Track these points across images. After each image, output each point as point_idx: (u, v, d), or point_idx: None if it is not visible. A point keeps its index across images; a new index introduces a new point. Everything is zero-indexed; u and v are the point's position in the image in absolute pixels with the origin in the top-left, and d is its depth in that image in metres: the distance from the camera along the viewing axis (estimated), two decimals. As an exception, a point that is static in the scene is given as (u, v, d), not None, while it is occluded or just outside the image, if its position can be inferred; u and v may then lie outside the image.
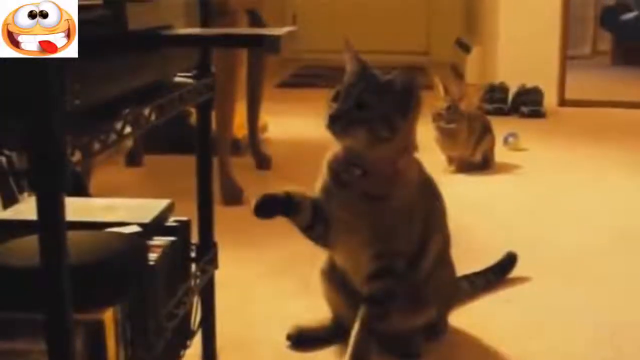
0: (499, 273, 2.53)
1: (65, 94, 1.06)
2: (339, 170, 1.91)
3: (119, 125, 1.26)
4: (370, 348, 1.96)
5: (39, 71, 1.01)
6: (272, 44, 1.42)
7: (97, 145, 1.17)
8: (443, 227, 2.11)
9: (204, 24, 1.74)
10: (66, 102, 1.07)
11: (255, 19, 3.78)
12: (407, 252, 1.98)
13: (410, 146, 1.94)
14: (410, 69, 1.89)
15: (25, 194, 2.50)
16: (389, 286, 1.96)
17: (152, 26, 1.43)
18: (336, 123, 1.83)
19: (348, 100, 1.84)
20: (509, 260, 2.57)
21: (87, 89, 1.15)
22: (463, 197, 3.46)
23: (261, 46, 1.45)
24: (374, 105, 1.83)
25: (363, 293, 1.98)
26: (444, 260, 2.12)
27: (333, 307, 2.16)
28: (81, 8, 1.17)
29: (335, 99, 1.87)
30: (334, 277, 2.11)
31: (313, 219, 1.96)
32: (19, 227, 1.51)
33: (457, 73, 7.15)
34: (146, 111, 1.39)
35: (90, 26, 1.17)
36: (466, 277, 2.41)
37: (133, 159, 4.16)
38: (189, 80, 1.73)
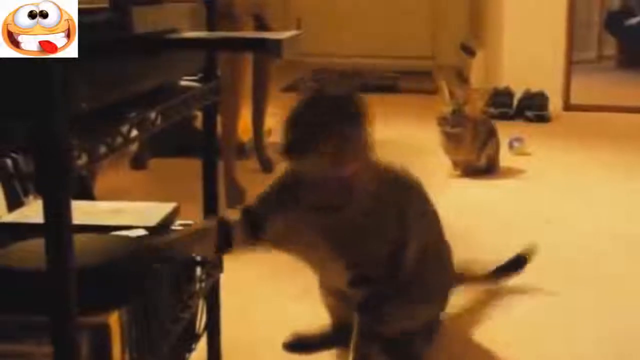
0: (504, 271, 2.52)
1: (71, 97, 1.06)
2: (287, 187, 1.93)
3: (125, 129, 1.26)
4: (371, 354, 1.96)
5: (45, 74, 1.01)
6: (274, 47, 1.42)
7: (103, 149, 1.17)
8: (428, 231, 2.09)
9: (210, 28, 1.74)
10: (73, 105, 1.07)
11: (260, 23, 3.78)
12: (380, 256, 1.95)
13: (360, 152, 1.89)
14: (344, 79, 1.89)
15: (31, 197, 2.50)
16: (373, 291, 1.95)
17: (158, 30, 1.44)
18: (294, 151, 1.84)
19: (297, 130, 1.83)
20: (520, 260, 2.53)
21: (94, 92, 1.15)
22: (468, 201, 3.46)
23: (263, 50, 1.45)
24: (324, 122, 1.82)
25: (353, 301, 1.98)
26: (438, 262, 2.12)
27: (332, 311, 2.17)
28: (88, 11, 1.17)
29: (287, 126, 1.86)
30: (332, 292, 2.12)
31: (253, 233, 1.95)
32: (25, 230, 1.51)
33: (462, 77, 7.14)
34: (152, 115, 1.39)
35: (96, 29, 1.17)
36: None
37: (138, 163, 4.16)
38: (195, 84, 1.73)
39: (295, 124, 1.84)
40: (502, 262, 2.52)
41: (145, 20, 1.37)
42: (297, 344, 2.15)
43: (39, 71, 1.01)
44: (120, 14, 1.29)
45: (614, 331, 2.24)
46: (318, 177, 1.87)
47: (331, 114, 1.83)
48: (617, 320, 2.32)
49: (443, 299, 2.17)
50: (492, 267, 2.50)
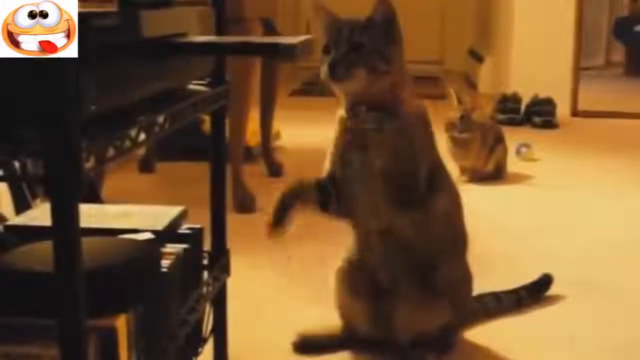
0: (533, 292, 2.48)
1: (80, 101, 1.06)
2: (348, 117, 1.97)
3: (133, 132, 1.26)
4: None
5: (55, 77, 1.01)
6: (287, 52, 1.43)
7: (111, 152, 1.18)
8: (451, 194, 2.11)
9: (219, 32, 1.74)
10: (81, 109, 1.07)
11: (270, 28, 3.79)
12: (420, 177, 1.99)
13: (407, 78, 1.99)
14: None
15: (39, 200, 2.51)
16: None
17: (168, 34, 1.44)
18: (336, 70, 1.88)
19: (340, 47, 1.89)
20: (545, 281, 2.51)
21: (102, 95, 1.15)
22: (475, 207, 3.44)
23: (277, 54, 1.46)
24: (366, 44, 1.89)
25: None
26: (456, 253, 2.11)
27: (347, 313, 2.15)
28: (97, 15, 1.18)
29: (326, 51, 1.92)
30: (354, 278, 2.10)
31: (322, 196, 2.00)
32: (33, 233, 1.51)
33: (470, 83, 7.14)
34: (160, 118, 1.39)
35: (105, 33, 1.18)
36: (492, 294, 2.39)
37: (146, 166, 4.17)
38: (203, 88, 1.74)
39: (334, 47, 1.90)
40: (528, 283, 2.49)
41: (154, 24, 1.37)
42: (305, 345, 2.14)
43: (48, 74, 1.01)
44: (129, 17, 1.29)
45: (626, 343, 2.23)
46: (376, 101, 1.93)
47: (378, 34, 1.90)
48: (630, 332, 2.31)
49: (461, 299, 2.14)
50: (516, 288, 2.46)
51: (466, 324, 2.19)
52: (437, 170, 2.05)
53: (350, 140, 1.97)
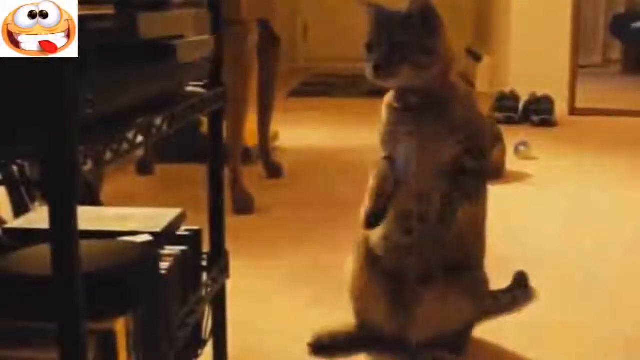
0: (526, 287, 2.49)
1: (78, 104, 1.06)
2: (397, 101, 2.00)
3: (130, 135, 1.26)
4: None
5: (52, 80, 1.01)
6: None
7: (109, 155, 1.18)
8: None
9: (216, 34, 1.74)
10: (79, 111, 1.07)
11: (267, 29, 3.79)
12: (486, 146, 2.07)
13: (453, 60, 2.03)
14: None
15: (37, 203, 2.51)
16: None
17: (164, 36, 1.44)
18: (379, 70, 1.92)
19: (382, 46, 1.92)
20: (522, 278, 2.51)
21: (100, 98, 1.15)
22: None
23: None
24: (406, 41, 1.92)
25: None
26: (483, 255, 2.13)
27: (363, 302, 2.13)
28: (94, 17, 1.18)
29: (369, 49, 1.95)
30: (377, 266, 2.08)
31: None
32: (31, 236, 1.51)
33: (468, 82, 7.14)
34: (158, 120, 1.39)
35: (102, 35, 1.18)
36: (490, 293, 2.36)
37: (144, 168, 4.17)
38: (201, 90, 1.74)
39: (376, 44, 1.94)
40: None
41: (151, 26, 1.37)
42: (323, 345, 2.14)
43: (45, 77, 1.01)
44: (126, 20, 1.29)
45: (627, 342, 2.23)
46: (427, 89, 1.97)
47: (417, 29, 1.93)
48: (631, 325, 2.31)
49: (480, 298, 2.13)
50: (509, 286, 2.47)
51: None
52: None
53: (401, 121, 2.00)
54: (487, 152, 2.07)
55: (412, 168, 1.98)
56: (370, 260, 2.09)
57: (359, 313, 2.15)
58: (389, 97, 2.03)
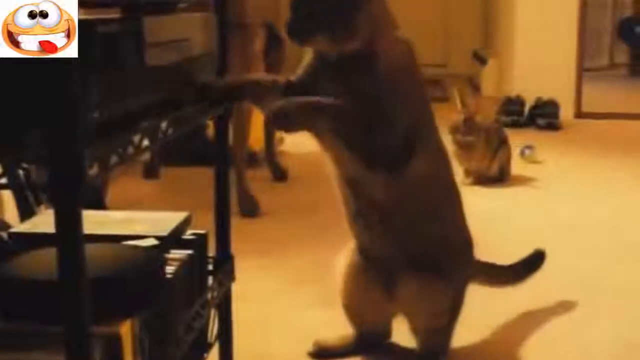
0: (525, 270, 2.46)
1: (84, 107, 1.06)
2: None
3: (136, 139, 1.26)
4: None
5: (58, 84, 1.01)
6: None
7: (114, 159, 1.18)
8: (438, 155, 2.03)
9: (221, 38, 1.74)
10: (85, 115, 1.07)
11: (272, 33, 3.79)
12: (395, 124, 1.88)
13: (385, 27, 1.91)
14: None
15: (43, 207, 2.51)
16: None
17: (170, 39, 1.44)
18: (294, 34, 1.85)
19: (299, 10, 1.85)
20: (537, 258, 2.48)
21: (106, 101, 1.15)
22: (479, 209, 3.45)
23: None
24: (325, 9, 1.83)
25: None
26: (453, 220, 2.08)
27: (359, 310, 2.14)
28: (100, 21, 1.18)
29: (291, 9, 1.87)
30: (362, 269, 2.08)
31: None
32: (37, 240, 1.52)
33: (474, 85, 7.14)
34: (164, 124, 1.39)
35: (108, 39, 1.18)
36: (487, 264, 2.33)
37: (150, 172, 4.17)
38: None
39: (295, 7, 1.86)
40: (519, 260, 2.46)
41: (156, 30, 1.37)
42: (322, 354, 2.15)
43: (51, 82, 1.01)
44: (132, 23, 1.29)
45: (629, 340, 2.23)
46: (331, 52, 1.88)
47: (330, 3, 1.84)
48: (633, 329, 2.31)
49: (462, 266, 2.10)
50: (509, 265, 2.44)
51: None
52: (420, 129, 1.95)
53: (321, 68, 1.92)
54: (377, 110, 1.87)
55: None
56: (356, 260, 2.09)
57: (352, 316, 2.16)
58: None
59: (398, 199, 1.95)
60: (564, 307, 2.47)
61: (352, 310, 2.15)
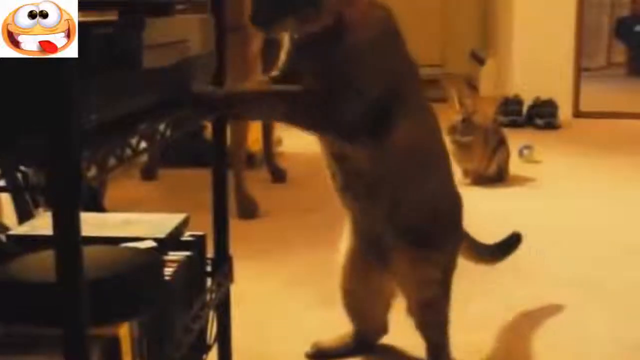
0: (504, 251, 2.45)
1: (82, 110, 1.06)
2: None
3: (134, 141, 1.26)
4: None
5: (55, 86, 1.01)
6: None
7: (112, 161, 1.18)
8: (423, 123, 1.99)
9: (219, 40, 1.74)
10: (82, 118, 1.07)
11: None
12: (364, 94, 1.83)
13: (351, 3, 1.83)
14: None
15: (41, 209, 2.51)
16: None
17: (168, 41, 1.44)
18: (258, 22, 1.79)
19: (259, 2, 1.78)
20: (514, 240, 2.48)
21: (103, 103, 1.15)
22: (478, 209, 3.45)
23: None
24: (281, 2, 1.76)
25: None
26: (441, 185, 2.04)
27: (356, 295, 2.13)
28: (97, 23, 1.18)
29: None
30: (358, 252, 2.08)
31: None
32: (35, 242, 1.52)
33: (472, 85, 7.14)
34: (161, 126, 1.39)
35: (106, 41, 1.18)
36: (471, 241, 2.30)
37: (148, 173, 4.17)
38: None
39: None
40: (499, 241, 2.45)
41: (154, 32, 1.37)
42: (319, 355, 2.15)
43: (51, 82, 1.01)
44: (129, 25, 1.29)
45: (630, 345, 2.22)
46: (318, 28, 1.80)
47: None
48: (632, 329, 2.31)
49: (452, 225, 2.07)
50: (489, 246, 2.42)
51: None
52: (398, 95, 1.88)
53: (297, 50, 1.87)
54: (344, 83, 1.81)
55: None
56: (354, 244, 2.09)
57: (350, 304, 2.15)
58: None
59: (383, 169, 1.91)
60: (563, 307, 2.47)
61: (350, 296, 2.14)
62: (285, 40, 1.90)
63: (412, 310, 2.04)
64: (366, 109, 1.83)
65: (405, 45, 1.93)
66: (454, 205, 2.07)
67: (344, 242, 2.11)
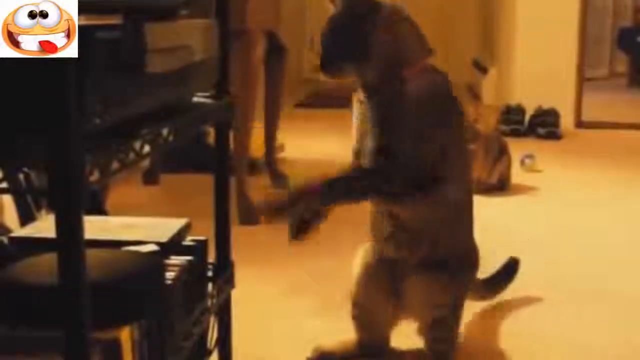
0: (506, 278, 2.54)
1: (85, 114, 1.07)
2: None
3: (137, 145, 1.27)
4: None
5: (58, 89, 1.02)
6: None
7: (115, 165, 1.18)
8: (463, 177, 2.10)
9: (222, 45, 1.75)
10: (86, 122, 1.07)
11: (273, 41, 3.79)
12: (425, 161, 1.94)
13: (409, 57, 1.97)
14: None
15: (43, 212, 2.51)
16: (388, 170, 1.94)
17: (171, 46, 1.44)
18: (324, 68, 1.95)
19: (325, 44, 1.95)
20: (513, 265, 2.55)
21: (107, 108, 1.15)
22: (479, 218, 3.45)
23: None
24: (343, 37, 1.93)
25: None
26: (465, 230, 2.13)
27: (366, 308, 2.14)
28: (101, 27, 1.18)
29: (321, 42, 1.97)
30: (375, 269, 2.11)
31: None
32: (37, 245, 1.52)
33: (474, 94, 7.14)
34: (164, 131, 1.40)
35: (110, 45, 1.18)
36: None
37: (150, 178, 4.17)
38: (208, 100, 1.74)
39: (322, 42, 1.95)
40: (495, 273, 2.52)
41: (158, 37, 1.37)
42: (322, 359, 2.15)
43: (52, 83, 1.02)
44: (133, 30, 1.29)
45: (632, 349, 2.23)
46: (380, 85, 1.94)
47: (351, 29, 1.92)
48: (633, 333, 2.31)
49: (465, 269, 2.13)
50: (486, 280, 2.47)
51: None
52: (447, 156, 1.98)
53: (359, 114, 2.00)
54: (403, 154, 1.93)
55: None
56: (372, 261, 2.11)
57: (358, 315, 2.15)
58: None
59: (428, 222, 2.02)
60: (565, 313, 2.47)
61: (361, 309, 2.14)
62: (355, 108, 2.02)
63: (422, 331, 2.09)
64: (427, 173, 1.94)
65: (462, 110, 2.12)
66: (473, 246, 2.15)
67: (362, 256, 2.14)
